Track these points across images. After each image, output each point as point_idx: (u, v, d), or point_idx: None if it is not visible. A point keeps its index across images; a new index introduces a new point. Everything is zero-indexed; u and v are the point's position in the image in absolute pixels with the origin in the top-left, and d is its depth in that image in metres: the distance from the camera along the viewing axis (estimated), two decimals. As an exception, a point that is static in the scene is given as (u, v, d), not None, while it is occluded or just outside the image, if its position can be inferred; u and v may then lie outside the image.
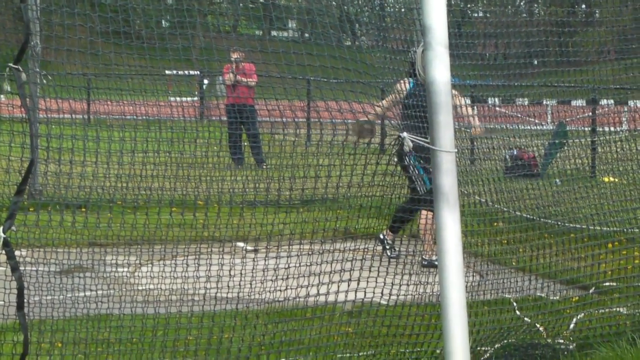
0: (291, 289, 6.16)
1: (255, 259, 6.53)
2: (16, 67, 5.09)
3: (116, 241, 7.52)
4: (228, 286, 6.35)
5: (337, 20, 7.22)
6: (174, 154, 7.52)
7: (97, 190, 7.17)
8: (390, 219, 9.33)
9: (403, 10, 8.77)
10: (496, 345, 6.28)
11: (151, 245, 6.99)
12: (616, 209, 8.09)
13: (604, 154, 9.18)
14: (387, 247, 9.58)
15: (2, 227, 4.88)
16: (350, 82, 6.53)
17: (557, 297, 7.20)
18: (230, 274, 6.41)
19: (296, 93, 7.14)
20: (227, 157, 9.75)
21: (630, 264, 7.59)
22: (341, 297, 6.13)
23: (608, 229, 7.98)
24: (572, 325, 6.81)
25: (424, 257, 9.17)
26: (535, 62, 8.01)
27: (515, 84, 7.94)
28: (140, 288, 7.65)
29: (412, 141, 8.63)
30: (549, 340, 6.50)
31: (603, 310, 7.10)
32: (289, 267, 6.19)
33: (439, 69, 4.42)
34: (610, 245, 7.84)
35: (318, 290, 6.07)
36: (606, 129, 10.02)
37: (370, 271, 6.22)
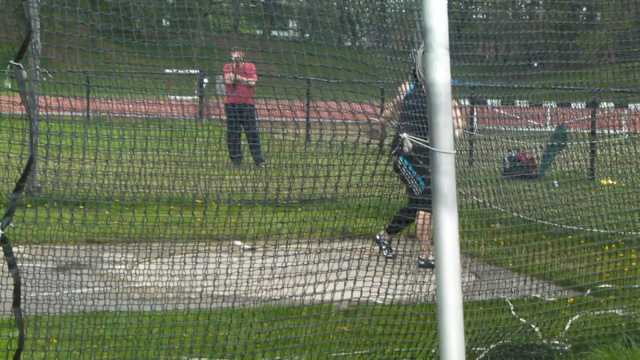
0: (287, 287, 6.18)
1: (253, 258, 6.54)
2: (17, 64, 5.10)
3: (114, 239, 7.54)
4: (225, 284, 6.36)
5: (337, 21, 7.24)
6: (174, 152, 7.53)
7: (95, 188, 7.18)
8: (389, 220, 9.36)
9: (404, 11, 8.78)
10: (492, 346, 6.30)
11: (149, 243, 7.01)
12: (614, 211, 8.10)
13: (603, 156, 9.20)
14: (384, 247, 9.60)
15: (0, 224, 4.90)
16: (350, 82, 6.55)
17: (553, 298, 7.22)
18: (227, 272, 6.43)
19: (296, 93, 7.15)
20: (226, 156, 9.76)
21: (626, 266, 7.61)
22: (337, 296, 6.15)
23: (605, 231, 8.00)
24: (567, 327, 6.82)
25: (420, 257, 9.19)
26: (535, 65, 8.03)
27: (515, 86, 7.96)
28: (137, 285, 7.67)
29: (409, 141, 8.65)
30: (545, 341, 6.51)
31: (599, 312, 7.12)
32: (285, 265, 6.21)
33: (439, 70, 4.43)
34: (607, 247, 7.86)
35: (314, 289, 6.09)
36: (606, 131, 10.04)
37: (367, 270, 6.24)
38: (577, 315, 6.99)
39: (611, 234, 7.99)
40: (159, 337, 5.84)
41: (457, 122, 8.35)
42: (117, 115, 9.17)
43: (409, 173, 9.46)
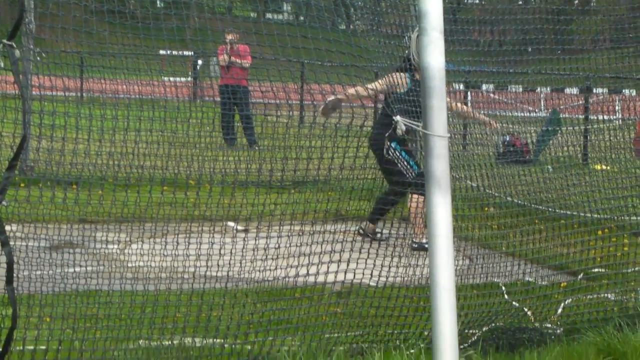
0: (281, 268, 6.18)
1: (246, 239, 6.54)
2: (10, 43, 5.09)
3: (107, 218, 7.52)
4: (218, 265, 6.36)
5: (332, 4, 7.22)
6: (167, 132, 7.52)
7: (88, 167, 7.17)
8: (370, 211, 9.36)
9: (399, -6, 8.74)
10: (484, 329, 6.31)
11: (142, 223, 6.99)
12: (607, 196, 8.12)
13: (596, 141, 9.21)
14: (370, 237, 9.59)
15: (-8, 202, 4.89)
16: (344, 65, 6.54)
17: (546, 283, 7.24)
18: (220, 253, 6.43)
19: (290, 75, 7.14)
20: (219, 137, 9.75)
21: (619, 251, 7.63)
22: (330, 278, 6.15)
23: (598, 216, 8.02)
24: (559, 310, 6.84)
25: (414, 240, 9.20)
26: (530, 50, 8.02)
27: (510, 71, 7.95)
28: (129, 265, 7.66)
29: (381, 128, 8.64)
30: (537, 325, 6.53)
31: (591, 296, 7.14)
32: (279, 247, 6.21)
33: (434, 54, 4.44)
34: (599, 232, 7.88)
35: (307, 271, 6.09)
36: (599, 117, 10.04)
37: (360, 253, 6.24)
38: (570, 299, 7.01)
39: (604, 219, 8.01)
40: (152, 316, 5.83)
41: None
42: (110, 95, 9.15)
43: (401, 157, 9.46)
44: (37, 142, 6.36)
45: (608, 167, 8.91)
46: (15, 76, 5.17)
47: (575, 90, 12.69)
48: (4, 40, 5.09)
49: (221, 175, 7.97)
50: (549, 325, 6.56)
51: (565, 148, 9.17)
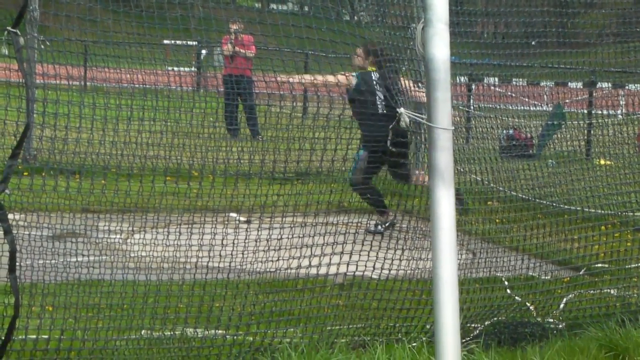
0: (283, 260, 6.18)
1: (248, 230, 6.53)
2: (14, 30, 5.07)
3: (109, 208, 7.51)
4: (220, 255, 6.35)
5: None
6: (170, 122, 7.50)
7: (91, 156, 7.15)
8: (374, 209, 9.38)
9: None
10: (486, 323, 6.31)
11: (144, 213, 6.98)
12: (610, 191, 8.10)
13: (600, 136, 9.19)
14: (383, 228, 9.56)
15: (-5, 190, 4.88)
16: (348, 56, 6.52)
17: (549, 277, 7.22)
18: (222, 244, 6.42)
19: (294, 66, 7.12)
20: (222, 127, 9.72)
21: (622, 246, 7.61)
22: (332, 269, 6.14)
23: (602, 211, 8.00)
24: (562, 305, 6.84)
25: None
26: (534, 43, 7.99)
27: (514, 64, 7.92)
28: (132, 255, 7.65)
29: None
30: (539, 319, 6.53)
31: (593, 292, 7.13)
32: (281, 238, 6.20)
33: (439, 46, 4.41)
34: (603, 227, 7.86)
35: (310, 262, 6.08)
36: (603, 111, 10.02)
37: (362, 245, 6.23)
38: (572, 295, 7.00)
39: (607, 215, 8.00)
40: (154, 307, 5.83)
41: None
42: (114, 84, 9.13)
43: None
44: (41, 131, 6.35)
45: (611, 162, 8.90)
46: (19, 64, 5.16)
47: (579, 84, 12.65)
48: (9, 28, 5.08)
49: (224, 165, 7.95)
50: (551, 320, 6.55)
51: (569, 142, 9.16)
